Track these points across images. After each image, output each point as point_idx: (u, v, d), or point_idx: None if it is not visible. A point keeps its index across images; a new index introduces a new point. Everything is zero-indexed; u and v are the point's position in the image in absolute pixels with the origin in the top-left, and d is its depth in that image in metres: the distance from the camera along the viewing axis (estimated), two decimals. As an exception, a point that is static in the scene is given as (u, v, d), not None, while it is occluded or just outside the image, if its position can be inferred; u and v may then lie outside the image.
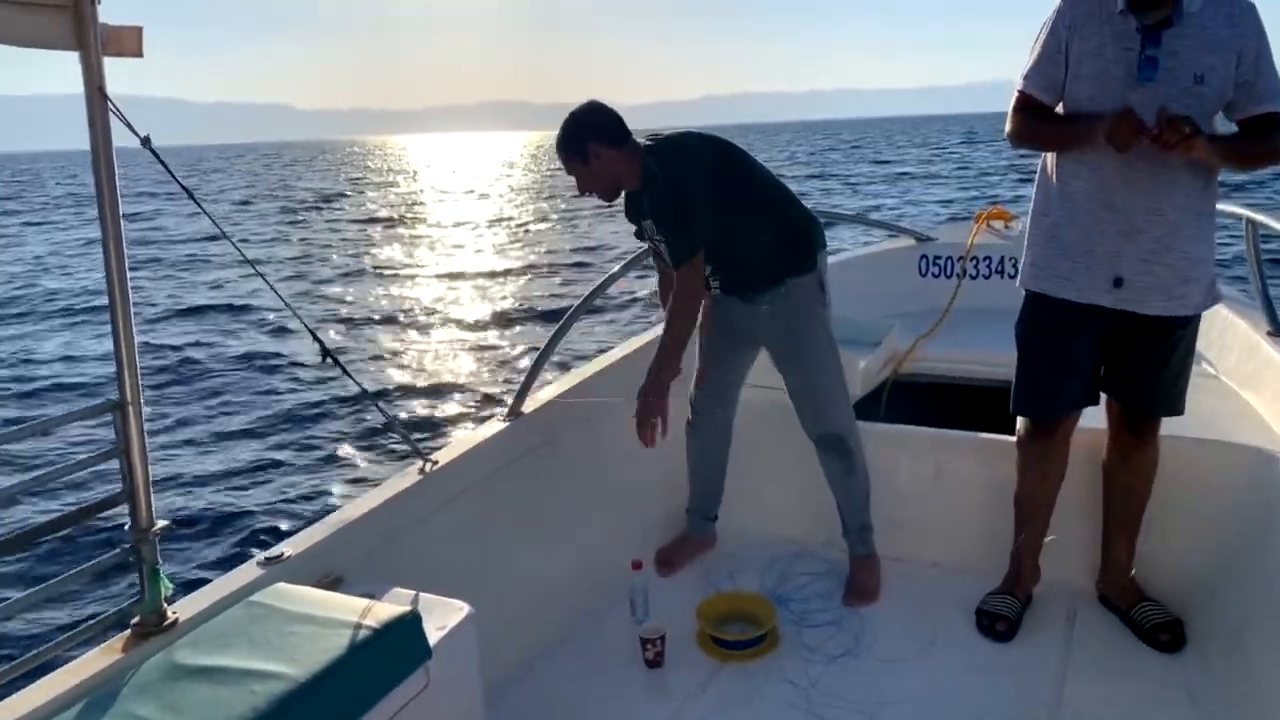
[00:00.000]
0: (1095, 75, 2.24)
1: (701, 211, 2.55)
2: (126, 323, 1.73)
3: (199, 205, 2.02)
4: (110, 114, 1.68)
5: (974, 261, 4.30)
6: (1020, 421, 2.63)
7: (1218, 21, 2.18)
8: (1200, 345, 3.34)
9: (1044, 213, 2.43)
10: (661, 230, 2.63)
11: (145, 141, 1.77)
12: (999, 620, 2.60)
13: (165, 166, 1.88)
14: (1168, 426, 2.58)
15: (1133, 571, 2.66)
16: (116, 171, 1.71)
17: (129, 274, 1.75)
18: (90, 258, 19.30)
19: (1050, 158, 2.41)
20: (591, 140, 2.56)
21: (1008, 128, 2.41)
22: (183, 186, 1.95)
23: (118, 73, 1.75)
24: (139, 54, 1.76)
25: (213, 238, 20.57)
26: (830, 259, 2.82)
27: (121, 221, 1.72)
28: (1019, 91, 2.38)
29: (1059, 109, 2.35)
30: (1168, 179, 2.21)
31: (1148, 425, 2.53)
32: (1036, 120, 2.36)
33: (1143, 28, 2.18)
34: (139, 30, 1.76)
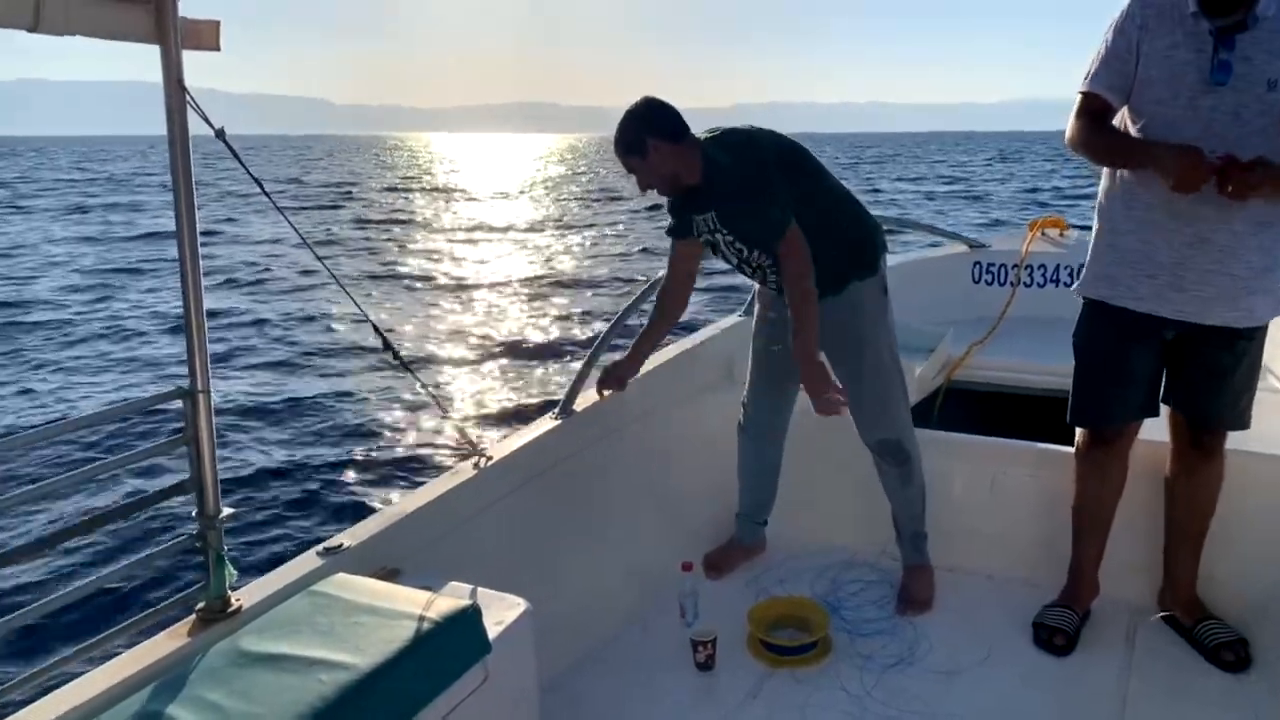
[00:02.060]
0: (1166, 78, 2.19)
1: (781, 191, 2.50)
2: (199, 310, 1.75)
3: (268, 196, 2.04)
4: (188, 106, 1.70)
5: (1029, 270, 4.24)
6: (1079, 432, 2.59)
7: None
8: (1268, 359, 3.27)
9: (1107, 220, 2.39)
10: (730, 220, 2.59)
11: (220, 133, 1.79)
12: (1057, 634, 2.55)
13: (238, 158, 1.90)
14: (1234, 441, 2.52)
15: (1196, 589, 2.59)
16: (193, 161, 1.73)
17: (202, 266, 1.77)
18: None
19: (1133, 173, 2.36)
20: (650, 135, 2.54)
21: (1068, 133, 2.35)
22: (253, 178, 1.97)
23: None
24: (217, 48, 1.79)
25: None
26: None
27: (196, 211, 1.74)
28: (1083, 93, 2.31)
29: (1124, 111, 2.30)
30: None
31: (1212, 439, 2.47)
32: (1099, 132, 2.30)
33: (1215, 30, 2.13)
34: (217, 25, 1.78)
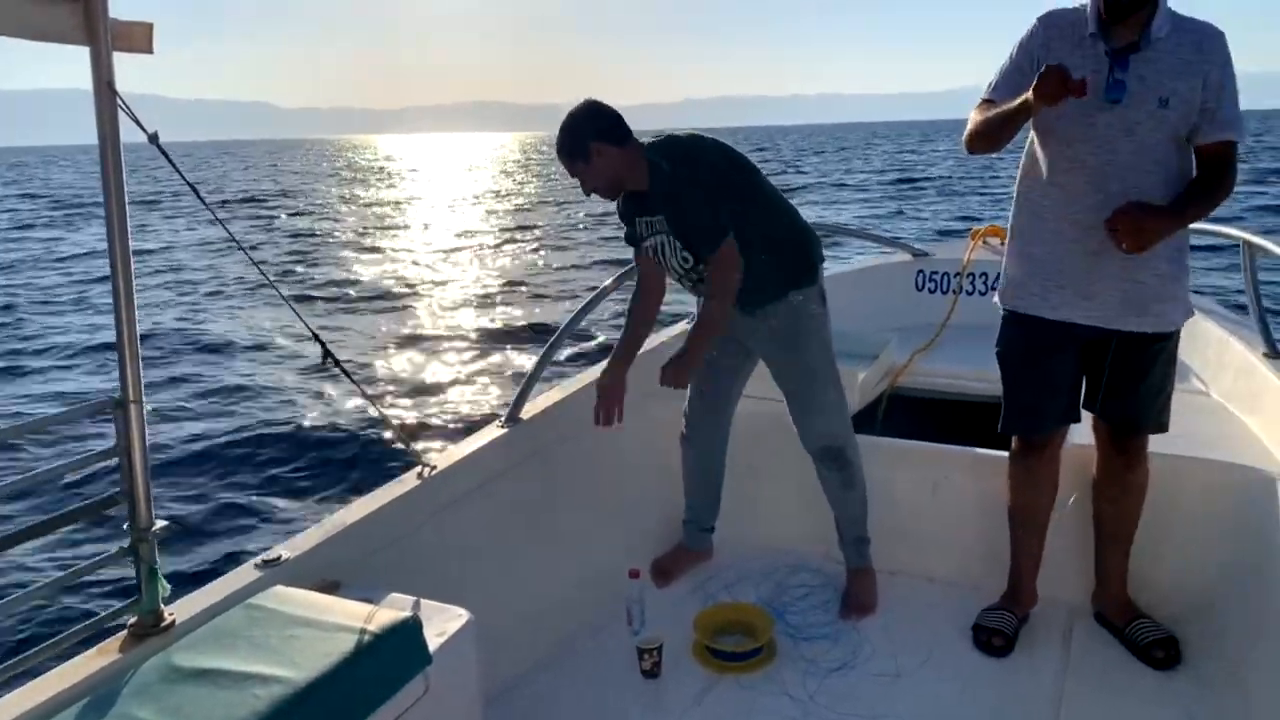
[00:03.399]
0: None
1: (717, 200, 2.52)
2: (130, 319, 1.72)
3: (204, 203, 2.01)
4: (119, 110, 1.67)
5: (970, 278, 4.32)
6: (1013, 440, 2.64)
7: (1184, 48, 2.22)
8: (1196, 366, 3.37)
9: (1018, 231, 2.48)
10: (677, 226, 2.61)
11: (153, 138, 1.76)
12: (995, 635, 2.59)
13: (172, 163, 1.86)
14: (1164, 445, 2.59)
15: (1127, 589, 2.66)
16: (124, 167, 1.69)
17: (134, 271, 1.73)
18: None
19: (1024, 176, 2.44)
20: (593, 139, 2.54)
21: (969, 127, 2.39)
22: (189, 184, 1.93)
23: (121, 71, 1.72)
24: (149, 50, 1.75)
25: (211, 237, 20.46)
26: (826, 272, 2.82)
27: (128, 217, 1.70)
28: (982, 100, 2.39)
29: (1028, 128, 2.36)
30: (1138, 199, 2.22)
31: (1134, 443, 2.54)
32: (983, 113, 2.35)
33: (1111, 51, 2.23)
34: (149, 26, 1.75)
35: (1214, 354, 3.35)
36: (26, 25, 1.56)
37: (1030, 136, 2.41)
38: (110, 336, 1.70)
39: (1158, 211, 2.20)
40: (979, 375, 3.57)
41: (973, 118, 2.38)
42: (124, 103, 1.67)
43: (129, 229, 1.71)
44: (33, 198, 41.68)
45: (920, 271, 4.44)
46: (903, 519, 2.99)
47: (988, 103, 2.36)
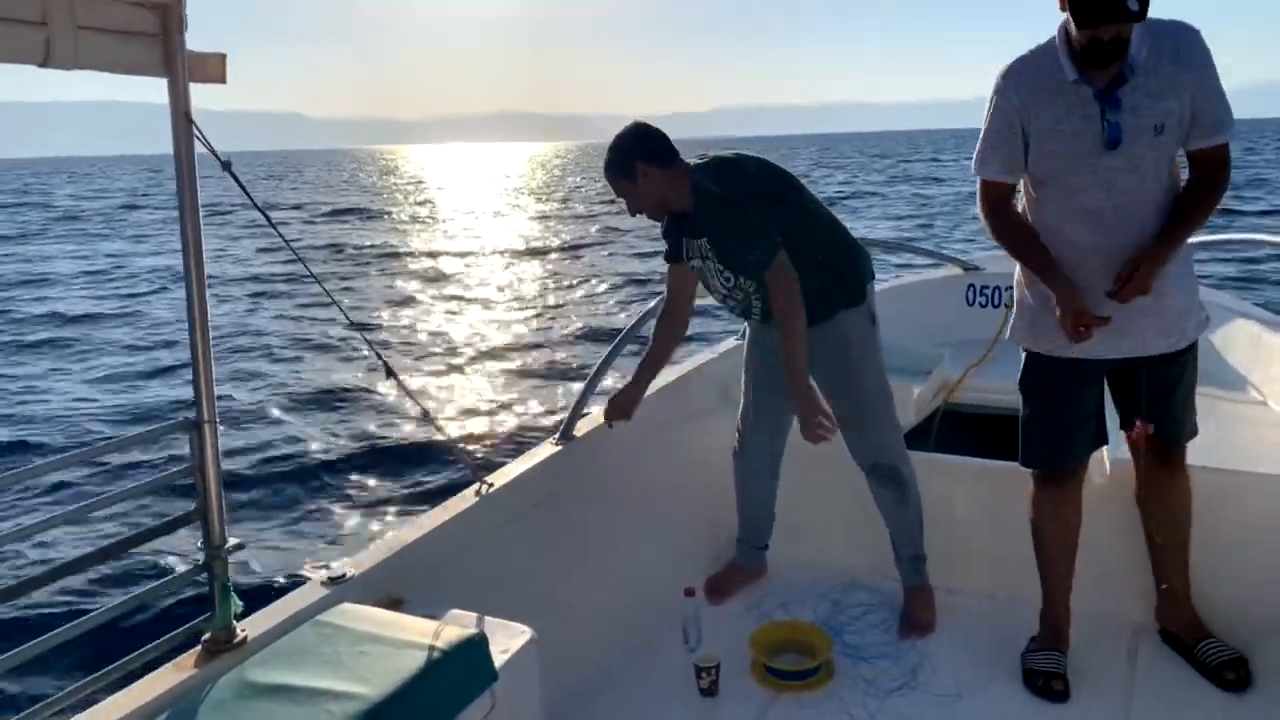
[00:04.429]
0: (1061, 149, 2.23)
1: (767, 219, 2.52)
2: (205, 342, 1.76)
3: (271, 224, 2.06)
4: (195, 138, 1.72)
5: None
6: (1031, 475, 2.57)
7: (1164, 62, 2.14)
8: (1256, 379, 3.31)
9: (1036, 279, 2.38)
10: (720, 249, 2.61)
11: (226, 165, 1.81)
12: (1055, 679, 2.48)
13: (243, 189, 1.91)
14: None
15: (1193, 606, 2.60)
16: (199, 192, 1.74)
17: (208, 294, 1.78)
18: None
19: (1033, 222, 2.38)
20: (639, 160, 2.56)
21: (987, 225, 2.38)
22: (257, 207, 1.99)
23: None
24: (223, 80, 1.80)
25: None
26: (876, 287, 2.81)
27: (203, 242, 1.75)
28: (981, 181, 2.37)
29: (1025, 177, 2.35)
30: (1152, 230, 2.21)
31: (1173, 455, 2.50)
32: (1017, 236, 2.34)
33: (1099, 91, 2.16)
34: (223, 57, 1.80)
35: (1275, 367, 3.28)
36: (109, 60, 1.62)
37: (1024, 183, 2.38)
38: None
39: (1151, 255, 2.18)
40: None
41: (990, 222, 2.36)
42: (199, 131, 1.72)
43: (204, 253, 1.76)
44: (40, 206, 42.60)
45: (971, 285, 4.39)
46: (959, 536, 2.95)
47: (990, 185, 2.35)
